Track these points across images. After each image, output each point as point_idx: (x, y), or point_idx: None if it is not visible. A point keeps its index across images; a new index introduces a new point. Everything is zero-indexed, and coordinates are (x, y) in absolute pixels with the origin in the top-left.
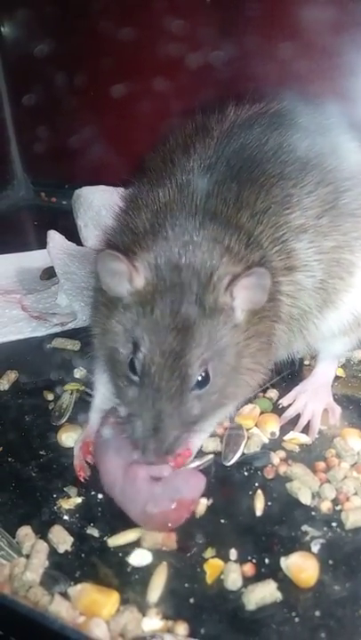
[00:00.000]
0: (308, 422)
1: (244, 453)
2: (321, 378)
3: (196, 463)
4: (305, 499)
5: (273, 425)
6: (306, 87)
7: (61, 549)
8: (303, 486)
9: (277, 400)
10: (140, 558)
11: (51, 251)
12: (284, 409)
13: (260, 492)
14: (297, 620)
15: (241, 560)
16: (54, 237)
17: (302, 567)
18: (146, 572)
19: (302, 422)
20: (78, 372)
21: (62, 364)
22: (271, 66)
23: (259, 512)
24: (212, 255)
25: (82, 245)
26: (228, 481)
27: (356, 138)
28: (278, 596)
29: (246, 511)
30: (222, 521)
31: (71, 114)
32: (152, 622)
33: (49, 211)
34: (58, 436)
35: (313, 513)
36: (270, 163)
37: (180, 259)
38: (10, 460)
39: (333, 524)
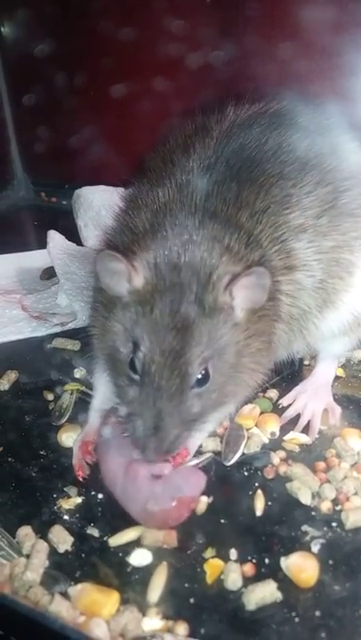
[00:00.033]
0: (309, 422)
1: (244, 453)
2: (321, 378)
3: (195, 461)
4: (305, 499)
5: (273, 425)
6: (306, 87)
7: (61, 549)
8: (303, 486)
9: (277, 400)
10: (140, 558)
11: (51, 251)
12: (284, 409)
13: (260, 491)
14: (297, 620)
15: (241, 560)
16: (54, 237)
17: (302, 567)
18: (146, 572)
19: (302, 422)
20: (78, 372)
21: (62, 364)
22: (271, 66)
23: (259, 512)
24: (212, 254)
25: (82, 245)
26: (228, 481)
27: (356, 138)
28: (278, 595)
29: (246, 511)
30: (222, 521)
31: (71, 114)
32: (152, 622)
33: (49, 211)
34: (58, 436)
35: (313, 513)
36: (270, 162)
37: (179, 258)
38: (10, 459)
39: (333, 524)
